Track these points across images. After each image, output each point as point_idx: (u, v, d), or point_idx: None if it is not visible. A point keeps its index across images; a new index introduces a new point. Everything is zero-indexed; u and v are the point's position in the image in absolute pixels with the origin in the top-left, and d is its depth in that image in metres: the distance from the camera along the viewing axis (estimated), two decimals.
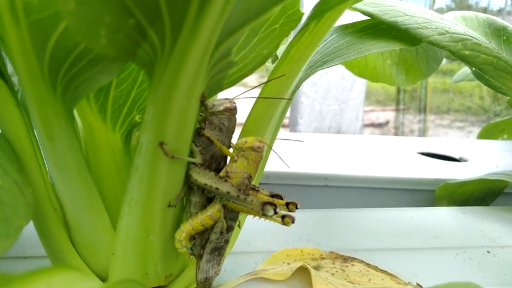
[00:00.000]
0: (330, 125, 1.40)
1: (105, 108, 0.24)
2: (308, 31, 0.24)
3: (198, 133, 0.24)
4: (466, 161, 0.79)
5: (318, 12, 0.22)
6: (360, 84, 1.42)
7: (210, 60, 0.19)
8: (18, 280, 0.10)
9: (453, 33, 0.35)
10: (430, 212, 0.51)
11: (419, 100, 3.18)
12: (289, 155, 0.66)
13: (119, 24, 0.16)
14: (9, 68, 0.24)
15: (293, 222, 0.24)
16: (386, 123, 3.39)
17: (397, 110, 3.31)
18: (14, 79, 0.26)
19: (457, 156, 0.81)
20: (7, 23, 0.18)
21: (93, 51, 0.19)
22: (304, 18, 0.24)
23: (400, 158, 0.75)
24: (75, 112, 0.25)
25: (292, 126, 1.39)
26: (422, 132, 3.15)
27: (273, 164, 0.41)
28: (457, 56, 0.35)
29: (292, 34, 0.25)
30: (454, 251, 0.42)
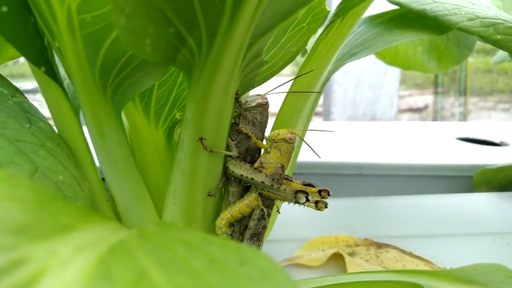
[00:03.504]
0: (364, 112, 1.39)
1: (148, 108, 0.26)
2: (334, 27, 0.25)
3: (233, 128, 0.26)
4: (507, 145, 0.76)
5: (342, 10, 0.23)
6: (394, 70, 1.39)
7: (243, 61, 0.21)
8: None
9: (484, 18, 0.35)
10: (467, 198, 0.51)
11: (460, 82, 3.05)
12: (323, 145, 0.67)
13: (161, 33, 0.18)
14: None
15: (326, 207, 0.25)
16: (426, 107, 3.28)
17: (436, 93, 3.19)
18: (66, 84, 0.29)
19: (497, 141, 0.79)
20: (65, 37, 0.20)
21: (138, 58, 0.21)
22: (330, 15, 0.25)
23: (438, 144, 0.74)
24: (122, 112, 0.27)
25: (326, 115, 1.39)
26: (464, 116, 3.03)
27: (307, 155, 0.42)
28: (489, 42, 0.34)
29: (320, 30, 0.26)
30: (491, 236, 0.42)
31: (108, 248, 0.12)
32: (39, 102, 0.29)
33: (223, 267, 0.11)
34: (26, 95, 0.28)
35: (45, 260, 0.10)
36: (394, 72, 1.37)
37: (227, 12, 0.18)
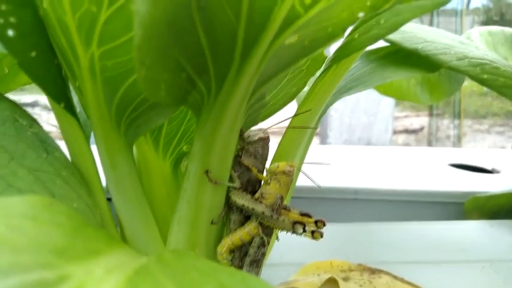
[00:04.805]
0: (359, 137, 1.42)
1: (158, 141, 0.28)
2: (331, 71, 0.27)
3: (236, 160, 0.28)
4: (498, 172, 0.79)
5: (337, 58, 0.25)
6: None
7: (248, 103, 0.23)
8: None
9: (472, 58, 0.37)
10: (457, 226, 0.53)
11: (454, 105, 3.10)
12: (319, 169, 0.69)
13: (175, 79, 0.20)
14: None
15: (321, 237, 0.27)
16: (421, 129, 3.32)
17: (431, 115, 3.24)
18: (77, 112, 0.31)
19: (489, 168, 0.81)
20: (86, 79, 0.22)
21: (151, 99, 0.23)
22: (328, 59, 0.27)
23: (430, 170, 0.76)
24: None
25: (323, 139, 1.42)
26: (458, 139, 3.07)
27: (305, 179, 0.44)
28: (476, 80, 0.37)
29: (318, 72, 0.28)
30: (481, 264, 0.43)
31: (134, 271, 0.14)
32: (38, 116, 0.31)
33: None
34: (25, 109, 0.30)
35: (83, 278, 0.12)
36: (389, 100, 1.41)
37: (235, 62, 0.20)
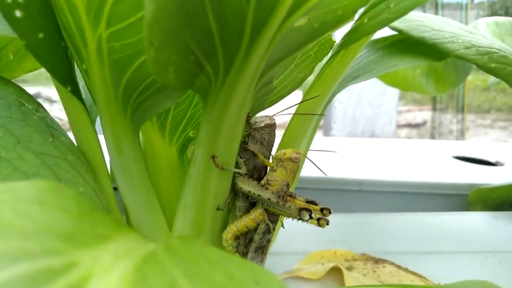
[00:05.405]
0: (363, 129, 1.42)
1: (164, 126, 0.28)
2: (339, 56, 0.27)
3: (243, 146, 0.28)
4: (502, 165, 0.78)
5: (346, 43, 0.25)
6: (393, 89, 1.42)
7: (255, 87, 0.23)
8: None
9: (479, 46, 0.37)
10: (461, 217, 0.53)
11: (458, 99, 3.08)
12: (324, 160, 0.69)
13: (183, 61, 0.20)
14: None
15: (327, 224, 0.27)
16: (424, 123, 3.31)
17: (434, 109, 3.22)
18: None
19: (493, 160, 0.81)
20: (93, 61, 0.22)
21: (158, 82, 0.22)
22: (335, 45, 0.27)
23: (435, 162, 0.76)
24: None
25: (326, 131, 1.42)
26: (461, 133, 3.06)
27: (308, 170, 0.44)
28: (484, 69, 0.36)
29: (325, 58, 0.28)
30: (485, 255, 0.43)
31: (142, 258, 0.13)
32: None
33: (241, 284, 0.12)
34: None
35: (91, 265, 0.12)
36: (394, 91, 1.41)
37: (244, 45, 0.20)
